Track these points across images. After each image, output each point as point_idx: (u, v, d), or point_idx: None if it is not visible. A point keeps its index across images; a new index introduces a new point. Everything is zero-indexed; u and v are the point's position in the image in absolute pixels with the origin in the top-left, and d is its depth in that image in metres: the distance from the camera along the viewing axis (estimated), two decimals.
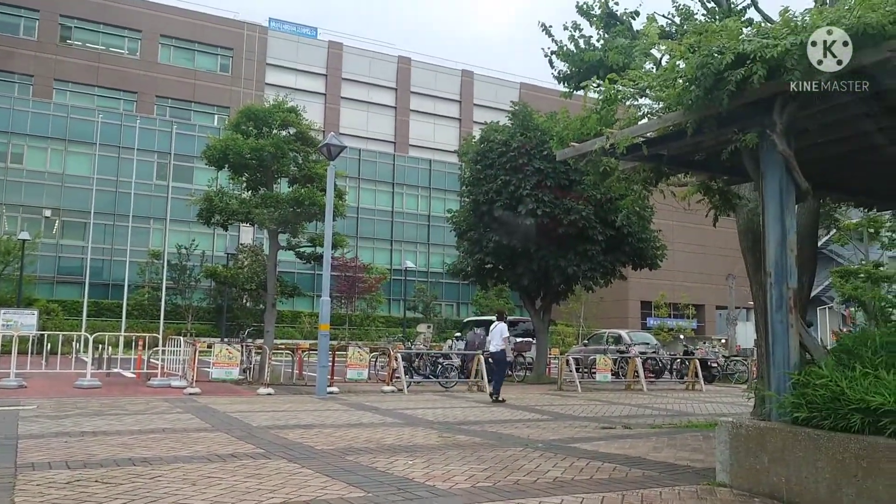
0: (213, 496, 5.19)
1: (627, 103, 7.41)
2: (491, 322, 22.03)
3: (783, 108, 5.56)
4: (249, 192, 18.81)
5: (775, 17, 6.42)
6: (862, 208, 11.69)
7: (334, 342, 19.15)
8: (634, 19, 10.97)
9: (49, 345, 18.94)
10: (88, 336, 17.40)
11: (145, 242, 41.80)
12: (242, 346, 16.32)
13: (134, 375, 17.95)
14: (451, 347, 22.46)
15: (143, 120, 42.28)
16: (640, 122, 7.02)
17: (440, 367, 17.91)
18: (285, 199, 17.80)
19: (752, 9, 10.31)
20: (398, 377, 16.24)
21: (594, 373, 19.83)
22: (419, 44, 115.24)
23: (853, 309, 24.35)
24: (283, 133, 18.46)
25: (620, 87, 7.20)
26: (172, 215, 38.18)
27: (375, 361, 18.69)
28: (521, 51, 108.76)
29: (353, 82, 60.40)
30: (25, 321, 23.72)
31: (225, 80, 54.95)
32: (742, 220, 9.61)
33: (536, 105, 23.08)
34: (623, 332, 25.38)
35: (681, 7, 10.51)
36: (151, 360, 18.14)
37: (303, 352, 18.88)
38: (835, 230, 18.81)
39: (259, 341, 17.73)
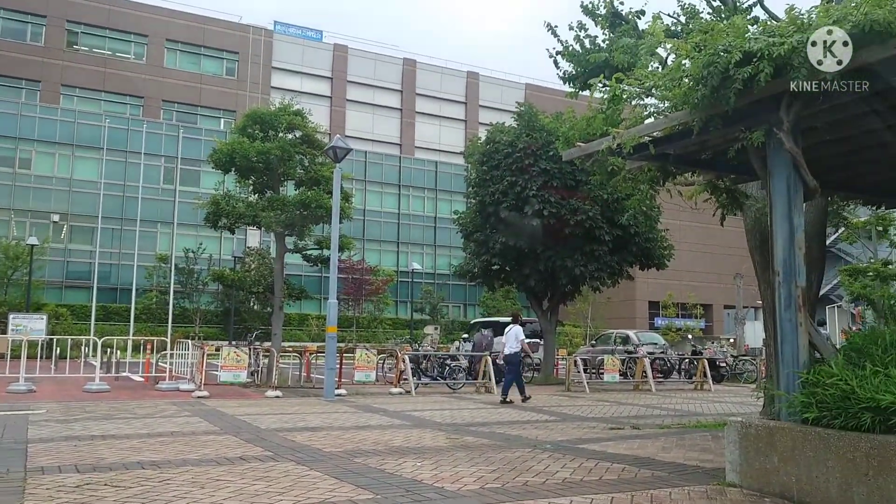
0: (222, 499, 5.20)
1: (633, 103, 7.39)
2: (498, 323, 22.13)
3: (790, 106, 5.54)
4: (256, 195, 18.88)
5: (781, 14, 6.40)
6: (870, 206, 11.63)
7: (342, 344, 19.14)
8: (640, 18, 10.94)
9: (58, 349, 19.07)
10: (97, 340, 17.46)
11: (153, 246, 42.05)
12: (250, 349, 16.37)
13: (142, 379, 18.03)
14: (458, 349, 22.43)
15: (150, 124, 42.30)
16: (646, 122, 7.00)
17: (448, 368, 17.90)
18: (292, 201, 17.87)
19: (758, 6, 10.29)
20: (406, 379, 16.25)
21: (602, 373, 19.80)
22: (424, 46, 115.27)
23: (862, 307, 24.25)
24: (290, 136, 18.52)
25: (626, 87, 7.19)
26: (180, 219, 38.20)
27: (383, 363, 18.70)
28: (525, 51, 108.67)
29: (359, 85, 60.47)
30: (35, 326, 23.93)
31: (231, 84, 55.13)
32: (749, 218, 9.57)
33: (542, 106, 23.10)
34: (631, 333, 25.29)
35: (686, 6, 10.48)
36: (160, 363, 18.20)
37: (310, 354, 18.88)
38: (843, 228, 18.75)
39: (267, 344, 17.76)
